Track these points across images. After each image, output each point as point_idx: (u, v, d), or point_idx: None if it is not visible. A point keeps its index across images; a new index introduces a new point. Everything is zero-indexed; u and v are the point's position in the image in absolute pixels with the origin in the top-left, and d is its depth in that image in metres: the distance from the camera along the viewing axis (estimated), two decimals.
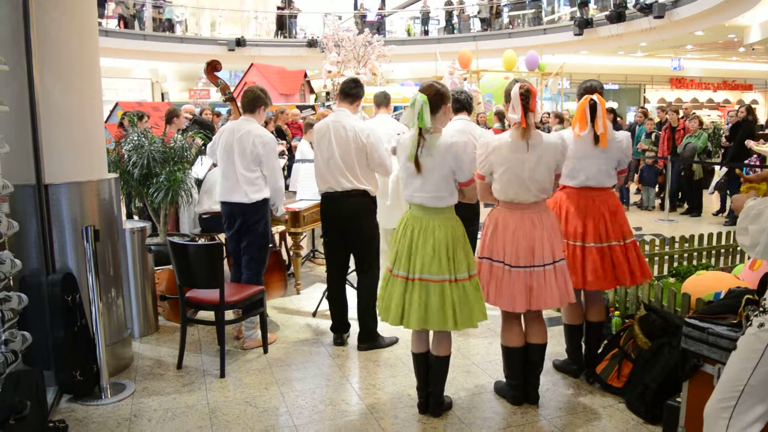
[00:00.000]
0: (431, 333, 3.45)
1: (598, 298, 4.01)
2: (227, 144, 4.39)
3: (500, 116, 11.28)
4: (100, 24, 20.28)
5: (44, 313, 3.62)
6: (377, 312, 3.46)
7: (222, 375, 3.99)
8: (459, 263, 3.26)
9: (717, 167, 11.52)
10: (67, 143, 3.77)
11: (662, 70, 27.66)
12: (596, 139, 3.68)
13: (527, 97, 3.37)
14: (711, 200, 11.26)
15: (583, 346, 4.04)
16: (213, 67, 4.85)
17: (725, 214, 10.21)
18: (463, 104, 4.73)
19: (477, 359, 4.29)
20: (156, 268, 4.97)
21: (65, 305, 3.61)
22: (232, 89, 5.12)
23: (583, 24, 20.14)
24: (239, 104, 4.58)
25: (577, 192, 3.79)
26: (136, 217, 7.53)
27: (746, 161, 9.12)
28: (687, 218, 10.41)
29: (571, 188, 3.81)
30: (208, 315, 4.38)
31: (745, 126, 9.72)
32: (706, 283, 4.39)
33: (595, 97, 3.70)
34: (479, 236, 3.70)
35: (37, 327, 3.56)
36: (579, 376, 4.01)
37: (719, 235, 6.11)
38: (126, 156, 5.18)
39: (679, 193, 11.14)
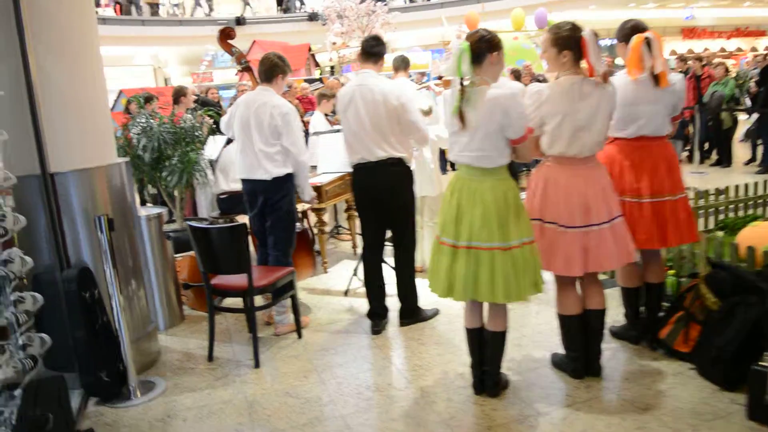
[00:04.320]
0: (485, 306, 3.15)
1: (656, 256, 3.69)
2: (243, 117, 4.07)
3: (516, 75, 10.85)
4: (96, 12, 19.99)
5: (62, 312, 3.36)
6: (428, 283, 3.15)
7: (256, 365, 3.73)
8: (511, 230, 2.93)
9: (745, 115, 11.07)
10: (72, 127, 3.46)
11: (674, 21, 26.92)
12: (656, 80, 3.32)
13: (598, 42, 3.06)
14: (740, 149, 10.85)
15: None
16: (226, 34, 4.51)
17: (757, 162, 9.81)
18: None
19: (527, 331, 3.99)
20: (176, 255, 4.69)
21: (83, 302, 3.34)
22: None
23: None
24: (256, 74, 4.26)
25: (630, 143, 3.43)
26: (149, 204, 7.26)
27: None
28: (717, 169, 10.02)
29: (624, 140, 3.44)
30: (236, 302, 4.10)
31: None
32: (762, 234, 4.09)
33: (649, 34, 3.33)
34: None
35: (56, 327, 3.31)
36: (640, 342, 3.71)
37: (765, 183, 5.76)
38: (135, 140, 4.89)
39: (706, 144, 10.72)
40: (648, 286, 3.69)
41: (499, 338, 3.14)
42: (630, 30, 3.41)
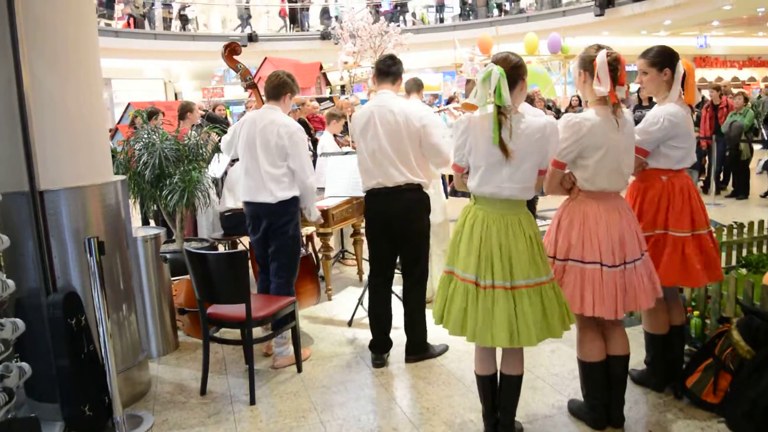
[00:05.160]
0: (498, 349, 2.90)
1: (677, 297, 3.48)
2: (249, 137, 3.87)
3: (530, 100, 10.67)
4: (109, 25, 19.96)
5: (46, 339, 3.14)
6: (465, 335, 2.78)
7: (252, 401, 3.48)
8: (546, 259, 2.81)
9: (759, 146, 10.85)
10: (65, 142, 3.27)
11: (686, 49, 26.62)
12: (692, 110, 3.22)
13: (616, 67, 2.82)
14: (755, 181, 10.59)
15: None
16: (232, 50, 4.33)
17: None
18: None
19: (540, 372, 3.74)
20: (173, 278, 4.47)
21: (69, 330, 3.11)
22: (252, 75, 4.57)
23: (605, 4, 19.39)
24: (262, 91, 4.07)
25: (678, 175, 3.24)
26: (152, 222, 7.06)
27: None
28: (734, 201, 9.76)
29: (674, 172, 3.23)
30: (233, 331, 3.87)
31: None
32: None
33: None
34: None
35: (39, 355, 3.11)
36: (663, 389, 3.47)
37: None
38: (136, 156, 4.70)
39: (721, 175, 10.48)
40: (670, 329, 3.46)
41: (516, 382, 2.90)
42: (673, 56, 3.22)
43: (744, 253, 5.24)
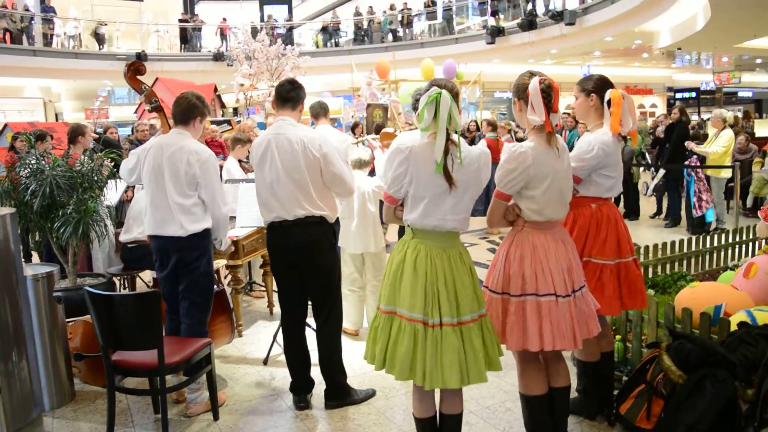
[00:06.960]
0: (437, 390, 2.73)
1: (605, 323, 3.48)
2: (155, 164, 3.52)
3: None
4: None
5: None
6: (414, 378, 2.59)
7: None
8: (481, 293, 2.70)
9: (652, 169, 11.47)
10: None
11: (571, 77, 28.07)
12: (622, 137, 3.23)
13: (549, 94, 2.74)
14: (644, 203, 11.18)
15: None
16: (136, 69, 3.96)
17: (663, 216, 10.09)
18: None
19: (472, 406, 3.61)
20: (67, 320, 4.01)
21: None
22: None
23: (495, 33, 20.15)
24: (167, 113, 3.76)
25: (607, 203, 3.28)
26: (35, 256, 6.41)
27: (686, 162, 8.98)
28: (627, 222, 10.16)
29: (603, 200, 3.26)
30: (140, 378, 3.50)
31: (680, 127, 9.61)
32: (703, 296, 4.02)
33: (622, 91, 3.21)
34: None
35: None
36: (595, 417, 3.44)
37: (689, 241, 5.76)
38: (23, 184, 4.22)
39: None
40: (600, 356, 3.45)
41: (458, 421, 2.76)
42: (601, 84, 3.25)
43: (650, 274, 5.41)
